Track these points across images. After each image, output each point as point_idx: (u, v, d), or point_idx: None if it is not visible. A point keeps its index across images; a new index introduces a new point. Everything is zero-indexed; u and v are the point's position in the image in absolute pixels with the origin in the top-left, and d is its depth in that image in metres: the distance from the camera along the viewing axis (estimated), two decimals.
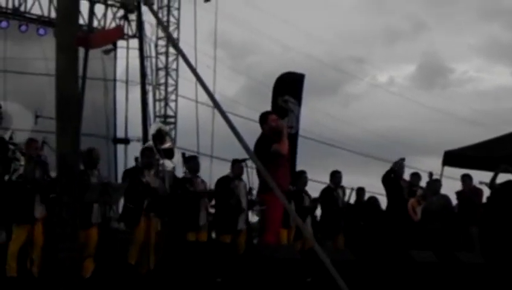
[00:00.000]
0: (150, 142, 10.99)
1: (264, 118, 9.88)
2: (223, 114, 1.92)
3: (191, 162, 11.39)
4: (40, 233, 9.61)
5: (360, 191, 13.83)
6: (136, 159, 10.85)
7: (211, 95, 1.68)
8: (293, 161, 13.50)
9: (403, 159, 13.09)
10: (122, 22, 18.28)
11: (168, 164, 10.86)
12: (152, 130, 11.62)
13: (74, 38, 4.03)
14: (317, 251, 1.83)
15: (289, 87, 14.24)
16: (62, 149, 1.61)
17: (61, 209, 1.57)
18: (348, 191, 13.32)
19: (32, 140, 9.99)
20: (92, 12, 17.23)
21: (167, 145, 11.01)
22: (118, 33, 8.65)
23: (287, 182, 10.13)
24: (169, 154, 10.94)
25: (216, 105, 1.82)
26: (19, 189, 9.54)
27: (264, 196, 9.83)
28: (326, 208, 12.78)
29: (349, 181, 13.89)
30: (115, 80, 18.07)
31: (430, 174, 13.37)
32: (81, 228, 9.46)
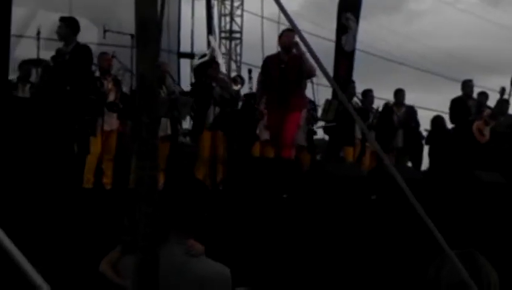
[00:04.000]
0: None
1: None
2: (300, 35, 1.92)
3: None
4: (111, 144, 9.84)
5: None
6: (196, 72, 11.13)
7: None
8: (349, 78, 13.59)
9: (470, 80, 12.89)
10: None
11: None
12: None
13: None
14: (387, 166, 1.84)
15: (350, 4, 14.23)
16: (142, 70, 1.65)
17: (141, 129, 1.63)
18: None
19: (104, 53, 10.39)
20: None
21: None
22: None
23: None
24: None
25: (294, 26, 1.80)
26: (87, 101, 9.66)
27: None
28: (383, 125, 12.69)
29: (411, 98, 13.73)
30: None
31: (502, 90, 12.68)
32: None
